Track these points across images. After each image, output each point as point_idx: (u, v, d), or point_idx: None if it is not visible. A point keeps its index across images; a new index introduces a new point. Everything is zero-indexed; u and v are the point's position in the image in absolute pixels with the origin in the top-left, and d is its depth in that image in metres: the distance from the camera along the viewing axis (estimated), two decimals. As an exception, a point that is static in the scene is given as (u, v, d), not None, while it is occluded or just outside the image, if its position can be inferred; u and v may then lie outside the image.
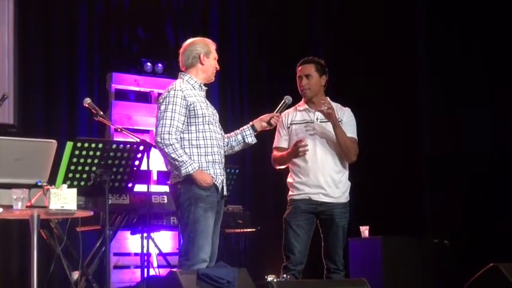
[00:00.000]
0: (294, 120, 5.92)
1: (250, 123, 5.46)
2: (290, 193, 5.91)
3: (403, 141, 8.37)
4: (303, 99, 5.97)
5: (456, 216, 7.88)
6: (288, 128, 5.94)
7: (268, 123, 5.47)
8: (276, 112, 5.54)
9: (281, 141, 5.95)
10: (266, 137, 5.94)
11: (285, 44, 9.11)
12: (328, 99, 5.93)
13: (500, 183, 7.75)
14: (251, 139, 5.44)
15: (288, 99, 5.64)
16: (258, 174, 8.33)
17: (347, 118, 5.91)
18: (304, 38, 9.21)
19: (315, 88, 5.88)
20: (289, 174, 5.94)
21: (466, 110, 8.05)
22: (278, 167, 6.00)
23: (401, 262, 6.72)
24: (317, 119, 5.86)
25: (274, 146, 5.99)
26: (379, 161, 8.17)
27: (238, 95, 9.21)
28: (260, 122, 5.46)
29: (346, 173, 5.93)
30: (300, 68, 5.94)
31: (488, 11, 8.03)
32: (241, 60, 9.24)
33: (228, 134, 5.41)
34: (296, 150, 5.73)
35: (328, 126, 5.81)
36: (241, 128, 5.45)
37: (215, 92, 8.65)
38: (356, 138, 5.91)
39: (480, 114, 8.01)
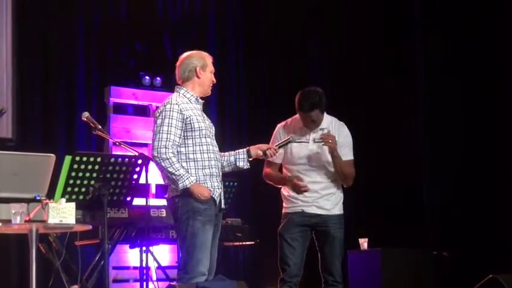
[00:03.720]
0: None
1: (247, 148, 5.46)
2: (284, 205, 5.91)
3: (403, 152, 8.38)
4: (298, 114, 5.93)
5: (456, 228, 7.89)
6: (283, 145, 5.93)
7: (264, 153, 5.45)
8: (276, 146, 5.53)
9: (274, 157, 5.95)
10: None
11: (284, 55, 9.14)
12: (325, 116, 5.90)
13: (501, 194, 7.76)
14: (243, 163, 5.42)
15: (292, 138, 5.62)
16: (256, 187, 8.32)
17: (343, 139, 5.87)
18: (302, 47, 9.23)
19: (320, 124, 5.85)
20: (283, 187, 5.95)
21: (467, 119, 8.06)
22: (269, 182, 6.01)
23: (400, 274, 6.74)
24: (313, 140, 5.85)
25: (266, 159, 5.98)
26: (378, 172, 8.18)
27: (236, 108, 9.23)
28: (256, 150, 5.43)
29: (340, 186, 5.93)
30: (305, 115, 5.72)
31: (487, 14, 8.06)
32: (238, 73, 9.26)
33: (222, 153, 5.39)
34: (297, 189, 5.76)
35: (323, 146, 5.82)
36: (236, 151, 5.44)
37: (213, 106, 8.67)
38: (352, 158, 5.91)
39: (480, 123, 8.00)
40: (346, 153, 5.86)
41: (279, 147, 5.58)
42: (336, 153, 5.73)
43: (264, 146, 5.46)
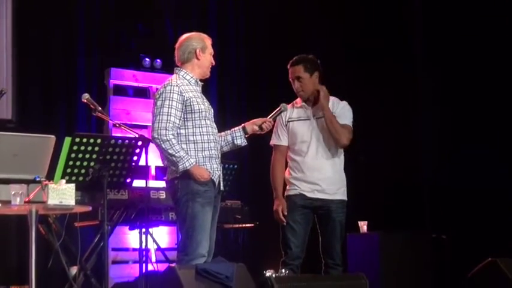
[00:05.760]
0: (291, 117, 5.93)
1: (242, 125, 5.45)
2: (287, 188, 5.93)
3: (402, 135, 8.37)
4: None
5: (454, 211, 7.89)
6: (286, 125, 5.94)
7: (260, 127, 5.44)
8: (270, 118, 5.53)
9: (280, 139, 5.95)
10: (264, 135, 5.93)
11: (284, 37, 9.09)
12: (324, 88, 5.92)
13: (499, 177, 7.75)
14: (240, 141, 5.42)
15: (284, 107, 5.67)
16: (256, 169, 8.33)
17: (341, 109, 5.89)
18: (301, 32, 9.19)
19: (308, 89, 5.87)
20: (287, 169, 5.95)
21: (465, 103, 8.04)
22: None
23: (399, 257, 6.73)
24: (314, 115, 5.87)
25: (272, 143, 5.98)
26: (377, 156, 8.17)
27: (236, 91, 9.21)
28: (252, 125, 5.44)
29: (342, 169, 5.93)
30: (290, 70, 5.90)
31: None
32: (239, 56, 9.24)
33: (218, 134, 5.38)
34: (277, 213, 5.84)
35: (324, 123, 5.82)
36: (232, 129, 5.45)
37: (213, 89, 8.65)
38: (350, 126, 5.89)
39: (478, 108, 7.99)
40: (342, 118, 5.86)
41: (273, 119, 5.58)
42: (326, 106, 5.74)
43: (258, 121, 5.46)
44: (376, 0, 8.79)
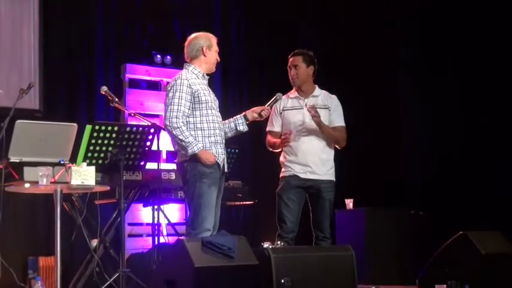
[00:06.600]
0: (285, 106, 5.96)
1: (243, 113, 5.48)
2: (282, 170, 5.97)
3: (384, 121, 8.36)
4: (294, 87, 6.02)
5: (432, 190, 7.91)
6: (281, 113, 5.98)
7: (259, 114, 5.48)
8: (267, 106, 5.57)
9: (273, 126, 6.01)
10: (263, 121, 5.98)
11: (281, 36, 9.09)
12: (317, 87, 5.98)
13: (474, 160, 7.76)
14: (242, 127, 5.45)
15: (279, 96, 5.70)
16: (255, 153, 8.37)
17: (334, 106, 5.94)
18: (298, 30, 9.19)
19: (302, 77, 5.92)
20: (282, 154, 6.00)
21: (439, 81, 8.05)
22: (271, 150, 6.07)
23: (381, 231, 6.79)
24: (306, 105, 5.91)
25: (267, 129, 6.04)
26: (365, 143, 8.16)
27: (238, 84, 9.22)
28: (252, 113, 5.47)
29: (332, 153, 5.98)
30: (290, 59, 5.98)
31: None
32: (240, 53, 9.24)
33: (223, 121, 5.39)
34: (284, 142, 5.86)
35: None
36: (235, 117, 5.46)
37: (218, 82, 8.66)
38: (344, 124, 5.96)
39: (453, 88, 7.99)
40: (338, 120, 5.92)
41: (270, 107, 5.62)
42: (322, 124, 5.79)
43: (257, 109, 5.49)
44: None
